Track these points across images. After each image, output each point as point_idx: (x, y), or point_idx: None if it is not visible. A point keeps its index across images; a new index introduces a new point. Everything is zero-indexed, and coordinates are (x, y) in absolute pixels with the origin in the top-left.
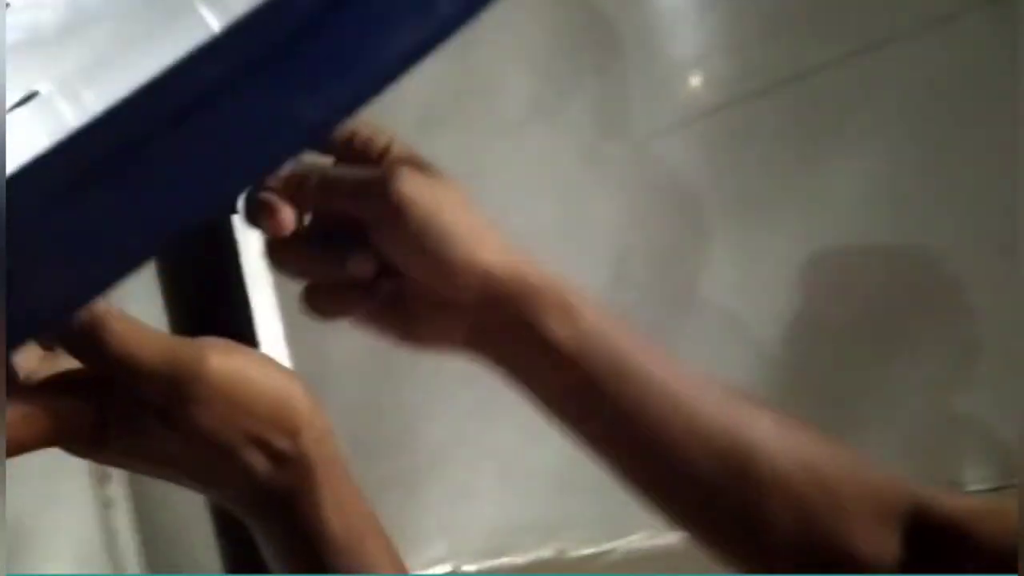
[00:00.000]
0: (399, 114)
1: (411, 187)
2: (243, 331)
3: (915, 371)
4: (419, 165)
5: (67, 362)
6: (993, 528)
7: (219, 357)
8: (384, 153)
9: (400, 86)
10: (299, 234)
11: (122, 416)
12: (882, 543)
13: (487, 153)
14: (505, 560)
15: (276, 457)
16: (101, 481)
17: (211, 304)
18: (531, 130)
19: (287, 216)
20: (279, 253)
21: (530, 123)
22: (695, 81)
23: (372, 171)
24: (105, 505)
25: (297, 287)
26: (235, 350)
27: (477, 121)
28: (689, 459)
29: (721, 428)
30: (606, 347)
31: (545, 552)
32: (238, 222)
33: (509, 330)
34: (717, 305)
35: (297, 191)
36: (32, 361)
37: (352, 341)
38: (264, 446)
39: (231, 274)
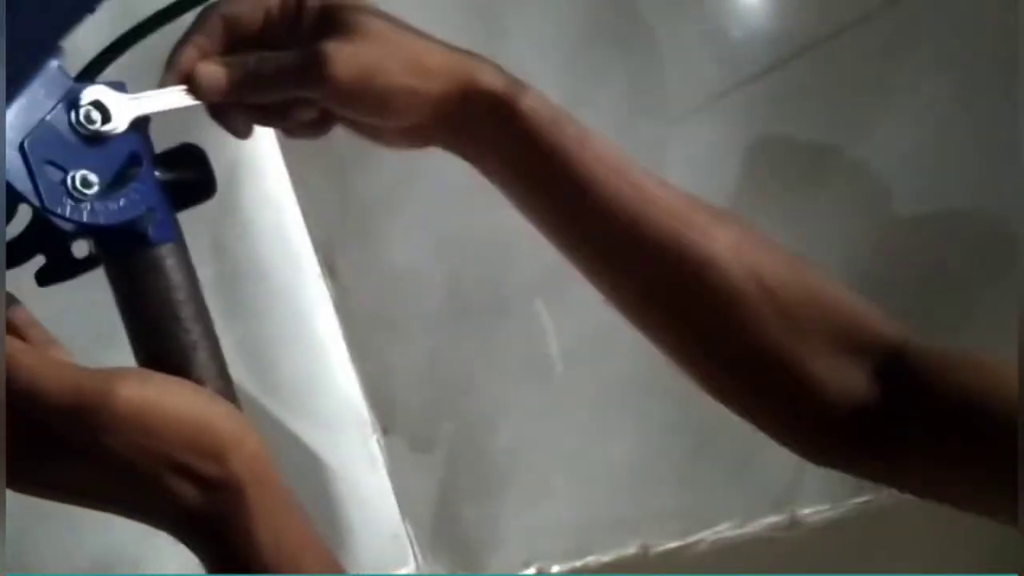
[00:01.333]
0: None
1: (342, 67)
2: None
3: (977, 334)
4: (338, 24)
5: None
6: (960, 381)
7: (128, 385)
8: (301, 15)
9: None
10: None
11: (35, 449)
12: (846, 374)
13: None
14: (590, 559)
15: (202, 482)
16: None
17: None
18: None
19: (246, 128)
20: (227, 120)
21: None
22: (727, 51)
23: (300, 58)
24: None
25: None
26: (148, 377)
27: None
28: (634, 260)
29: (670, 235)
30: (547, 146)
31: (629, 548)
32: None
33: (466, 136)
34: None
35: (241, 94)
36: None
37: (415, 352)
38: (187, 472)
39: None
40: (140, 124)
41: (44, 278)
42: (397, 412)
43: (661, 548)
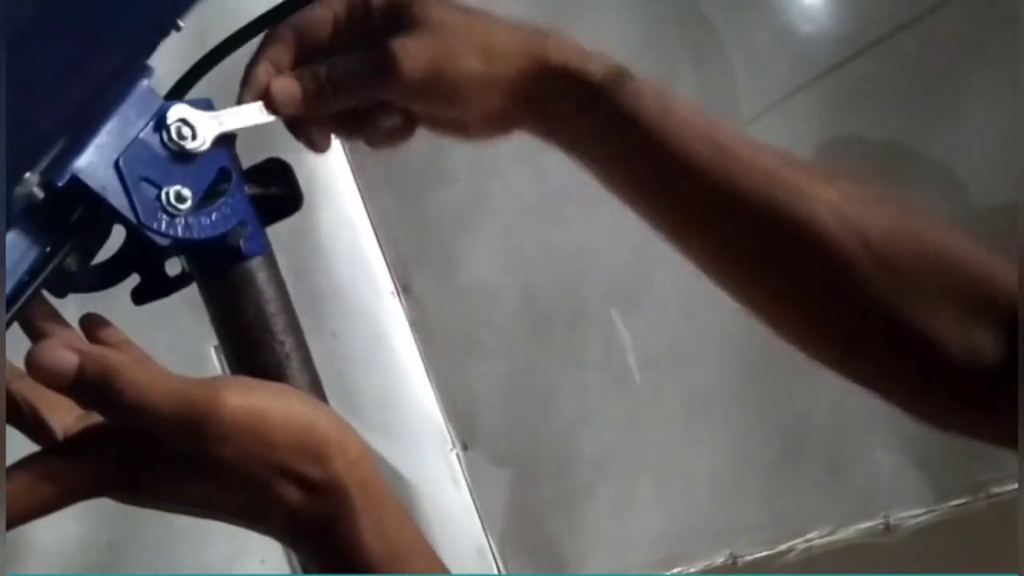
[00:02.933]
0: None
1: (411, 63)
2: None
3: None
4: (405, 20)
5: (101, 418)
6: None
7: (235, 394)
8: (369, 17)
9: None
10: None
11: (151, 462)
12: (975, 335)
13: None
14: (678, 570)
15: (309, 487)
16: None
17: None
18: None
19: (325, 140)
20: (321, 145)
21: None
22: (796, 49)
23: (369, 59)
24: (290, 553)
25: (437, 321)
26: (253, 385)
27: None
28: (728, 227)
29: (764, 197)
30: (628, 117)
31: (717, 558)
32: None
33: (547, 113)
34: None
35: (316, 104)
36: (69, 419)
37: (492, 366)
38: (295, 477)
39: None
40: (227, 140)
41: (140, 297)
42: (476, 427)
43: (750, 557)
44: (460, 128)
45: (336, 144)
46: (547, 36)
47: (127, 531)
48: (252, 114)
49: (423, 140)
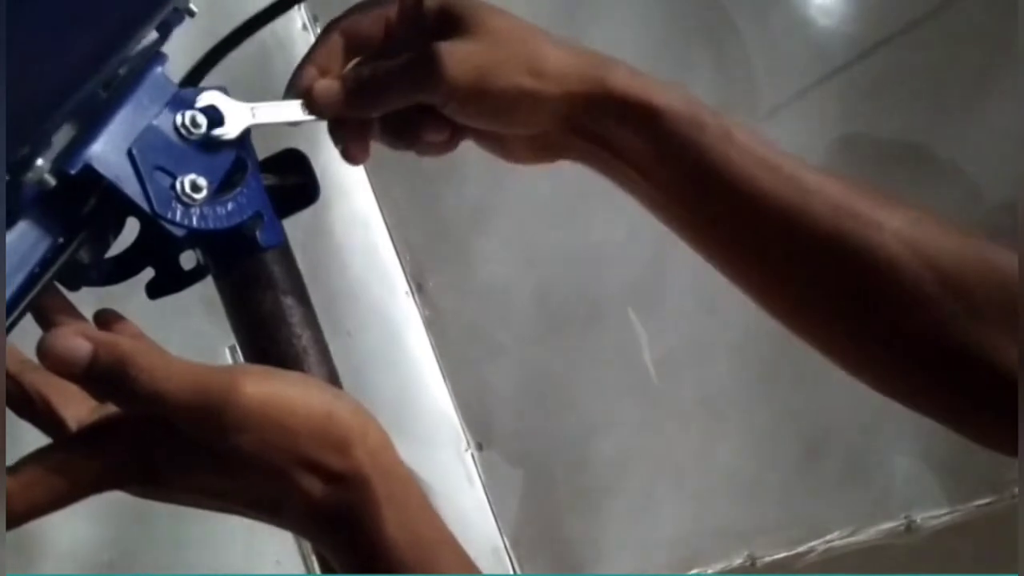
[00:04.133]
0: None
1: (455, 67)
2: None
3: None
4: (456, 24)
5: (115, 409)
6: None
7: (253, 382)
8: (421, 20)
9: None
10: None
11: (166, 453)
12: None
13: None
14: (695, 571)
15: (330, 477)
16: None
17: None
18: None
19: (362, 149)
20: (356, 153)
21: None
22: (815, 41)
23: (412, 60)
24: (306, 554)
25: (451, 321)
26: (271, 374)
27: None
28: (802, 258)
29: (831, 228)
30: (689, 146)
31: (736, 559)
32: None
33: (599, 143)
34: None
35: (357, 105)
36: (82, 412)
37: (507, 366)
38: (316, 467)
39: None
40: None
41: (155, 290)
42: (492, 427)
43: (769, 558)
44: (505, 147)
45: None
46: (604, 62)
47: (141, 532)
48: (290, 111)
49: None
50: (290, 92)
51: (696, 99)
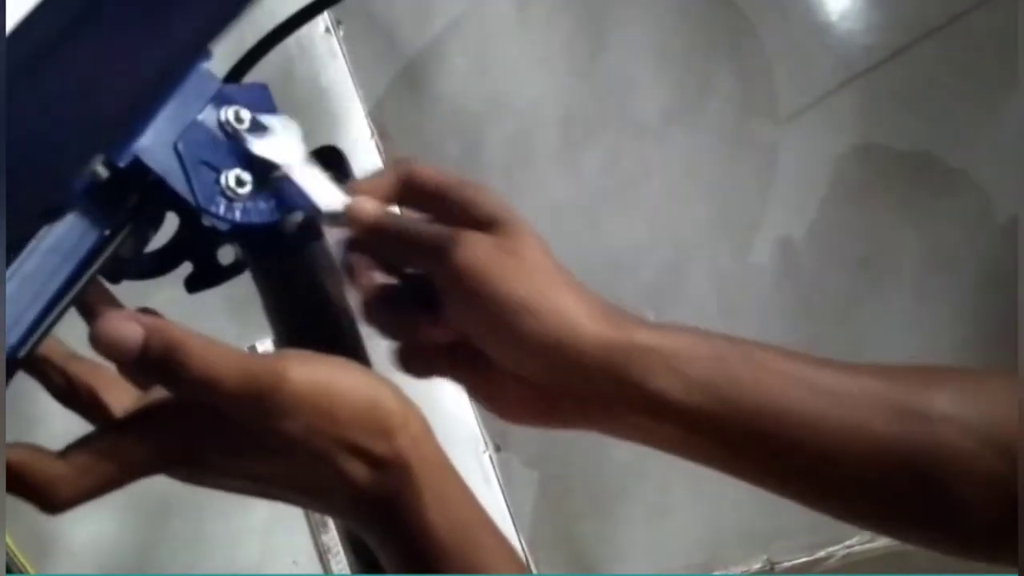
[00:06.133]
0: (542, 117)
1: (473, 254)
2: None
3: None
4: (500, 226)
5: (159, 396)
6: None
7: (299, 368)
8: (467, 209)
9: (540, 93)
10: (388, 293)
11: (215, 438)
12: None
13: (632, 156)
14: (714, 574)
15: (374, 462)
16: (318, 530)
17: None
18: (674, 128)
19: (370, 276)
20: (370, 310)
21: (672, 120)
22: (836, 46)
23: (439, 231)
24: (323, 552)
25: None
26: (317, 359)
27: (614, 122)
28: (859, 476)
29: (891, 437)
30: (726, 391)
31: (754, 564)
32: None
33: (611, 402)
34: (905, 277)
35: (379, 245)
36: (125, 399)
37: None
38: (360, 452)
39: None
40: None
41: (193, 285)
42: (509, 428)
43: (788, 563)
44: (499, 398)
45: (368, 143)
46: (634, 347)
47: (159, 532)
48: (327, 190)
49: (456, 139)
50: (344, 183)
51: (717, 336)
